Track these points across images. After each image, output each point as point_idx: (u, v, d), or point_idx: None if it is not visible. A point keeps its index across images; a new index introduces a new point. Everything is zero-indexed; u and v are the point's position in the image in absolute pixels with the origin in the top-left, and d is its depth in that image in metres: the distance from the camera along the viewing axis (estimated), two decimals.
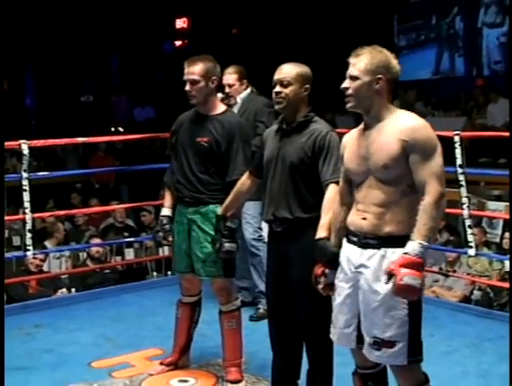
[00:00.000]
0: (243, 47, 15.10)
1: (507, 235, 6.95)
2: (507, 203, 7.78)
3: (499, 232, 7.70)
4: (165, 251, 6.87)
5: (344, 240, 2.90)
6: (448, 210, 6.22)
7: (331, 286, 2.98)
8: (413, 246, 2.63)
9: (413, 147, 2.68)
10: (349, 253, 2.85)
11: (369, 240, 2.77)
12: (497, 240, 7.57)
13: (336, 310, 2.92)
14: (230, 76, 5.06)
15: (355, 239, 2.82)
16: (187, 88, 3.76)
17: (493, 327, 4.87)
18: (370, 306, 2.76)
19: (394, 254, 2.71)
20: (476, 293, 6.48)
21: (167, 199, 4.02)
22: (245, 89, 5.12)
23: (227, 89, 5.07)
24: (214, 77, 3.80)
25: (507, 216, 6.93)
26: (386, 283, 2.67)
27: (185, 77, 3.77)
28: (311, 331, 3.32)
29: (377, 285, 2.73)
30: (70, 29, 15.81)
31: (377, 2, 14.22)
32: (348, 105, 2.81)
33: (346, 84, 2.79)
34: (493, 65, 13.78)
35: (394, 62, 2.81)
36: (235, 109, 5.05)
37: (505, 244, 6.92)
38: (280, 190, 3.29)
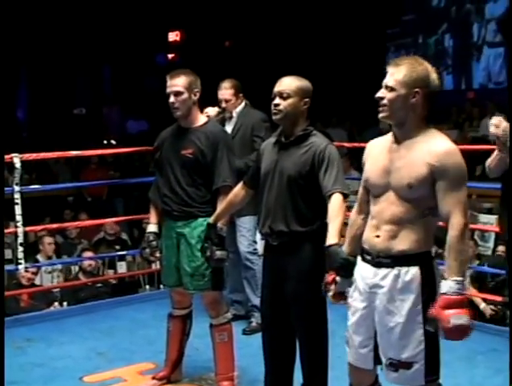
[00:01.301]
0: (235, 60, 15.15)
1: (500, 248, 6.96)
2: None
3: (491, 244, 7.71)
4: (157, 264, 6.85)
5: (359, 259, 2.85)
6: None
7: (342, 295, 2.93)
8: (449, 285, 2.56)
9: (442, 173, 2.61)
10: (363, 272, 2.79)
11: (382, 259, 2.71)
12: (489, 252, 7.58)
13: (351, 329, 2.85)
14: (227, 92, 5.03)
15: (369, 257, 2.76)
16: (172, 100, 3.78)
17: (485, 340, 4.86)
18: (386, 327, 2.71)
19: (407, 273, 2.66)
20: None
21: (153, 216, 4.03)
22: (240, 103, 5.10)
23: (223, 104, 5.04)
24: (196, 89, 3.83)
25: (499, 229, 6.94)
26: (429, 328, 2.61)
27: (168, 90, 3.80)
28: (307, 345, 3.31)
29: (391, 306, 2.68)
30: (63, 41, 15.84)
31: (370, 19, 14.31)
32: (381, 115, 2.72)
33: (381, 93, 2.71)
34: (494, 85, 13.80)
35: (435, 76, 2.73)
36: (231, 124, 5.04)
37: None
38: (277, 203, 3.28)
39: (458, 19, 14.40)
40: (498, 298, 5.89)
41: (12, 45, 14.93)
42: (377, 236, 2.72)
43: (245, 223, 4.98)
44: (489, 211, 8.93)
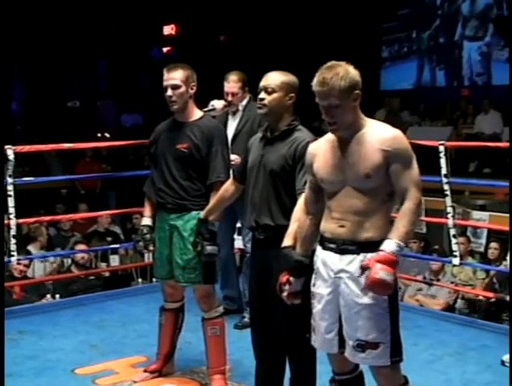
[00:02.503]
0: (230, 54, 15.13)
1: (492, 245, 7.00)
2: (491, 213, 7.84)
3: (483, 241, 7.73)
4: (150, 257, 6.85)
5: (319, 248, 2.91)
6: (433, 219, 6.31)
7: (295, 295, 3.01)
8: (390, 244, 2.68)
9: (395, 157, 2.73)
10: (327, 260, 2.85)
11: (348, 246, 2.79)
12: (482, 249, 7.61)
13: (317, 316, 2.92)
14: (235, 85, 4.91)
15: (332, 245, 2.83)
16: (169, 93, 3.78)
17: (476, 336, 4.89)
18: (352, 310, 2.79)
19: None
20: (460, 303, 6.51)
21: (147, 209, 4.03)
22: (246, 97, 5.00)
23: (229, 97, 4.93)
24: (193, 83, 3.83)
25: (491, 226, 6.98)
26: (359, 276, 2.74)
27: (165, 83, 3.79)
28: (293, 339, 3.32)
29: (358, 289, 2.76)
30: (58, 34, 15.78)
31: (364, 13, 14.31)
32: (336, 132, 2.82)
33: (328, 114, 2.76)
34: (475, 77, 13.93)
35: (354, 70, 2.80)
36: (236, 118, 4.97)
37: (491, 254, 6.97)
38: (262, 198, 3.31)
39: (448, 16, 14.46)
40: (490, 295, 5.93)
41: (6, 37, 14.87)
42: (342, 226, 2.80)
43: None
44: (482, 208, 8.96)
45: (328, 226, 2.86)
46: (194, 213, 3.80)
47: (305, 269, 2.96)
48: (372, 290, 2.71)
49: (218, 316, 3.93)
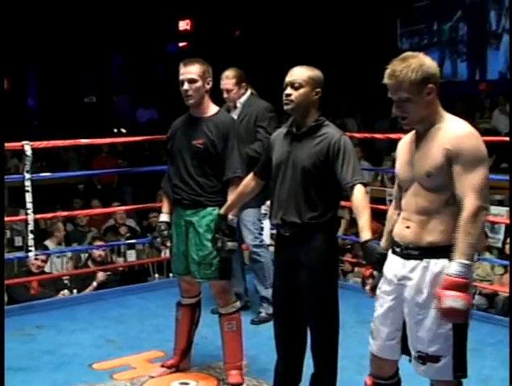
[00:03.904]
0: (245, 49, 15.13)
1: (510, 240, 6.94)
2: (509, 208, 7.77)
3: (501, 236, 7.67)
4: (167, 252, 6.86)
5: (390, 251, 2.84)
6: None
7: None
8: (453, 266, 2.53)
9: (456, 157, 2.56)
10: (392, 264, 2.78)
11: (411, 250, 2.69)
12: (499, 244, 7.56)
13: (378, 321, 2.84)
14: (228, 81, 4.94)
15: (398, 249, 2.76)
16: (186, 87, 3.77)
17: (493, 332, 4.86)
18: (414, 319, 2.70)
19: (436, 265, 2.64)
20: (477, 298, 6.47)
21: (165, 205, 4.04)
22: (245, 93, 5.02)
23: (225, 94, 4.97)
24: (209, 79, 3.83)
25: (509, 221, 6.93)
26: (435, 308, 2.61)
27: (182, 77, 3.78)
28: (318, 335, 3.31)
29: (420, 298, 2.67)
30: (73, 30, 15.85)
31: (381, 6, 14.24)
32: (407, 127, 2.72)
33: (399, 111, 2.65)
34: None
35: (430, 61, 2.65)
36: (235, 114, 4.96)
37: (508, 249, 6.91)
38: (290, 195, 3.26)
39: (473, 7, 14.29)
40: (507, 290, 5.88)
41: (21, 33, 14.94)
42: (407, 227, 2.71)
43: (250, 217, 4.95)
44: (500, 203, 8.89)
45: (397, 228, 2.78)
46: (210, 209, 3.80)
47: None
48: (445, 321, 2.59)
49: (235, 311, 3.93)
